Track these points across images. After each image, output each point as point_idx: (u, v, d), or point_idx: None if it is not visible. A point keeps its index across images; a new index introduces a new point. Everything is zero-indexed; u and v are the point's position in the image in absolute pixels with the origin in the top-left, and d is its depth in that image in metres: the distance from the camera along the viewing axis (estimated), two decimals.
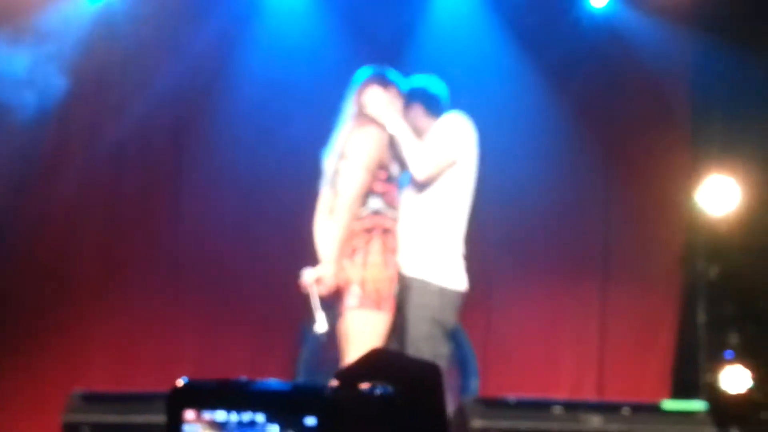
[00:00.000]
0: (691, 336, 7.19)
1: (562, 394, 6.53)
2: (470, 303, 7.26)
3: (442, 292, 5.01)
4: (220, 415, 0.88)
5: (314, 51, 7.20)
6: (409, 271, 5.02)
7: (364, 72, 5.28)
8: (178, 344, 7.03)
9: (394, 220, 5.06)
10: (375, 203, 5.07)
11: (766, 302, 7.12)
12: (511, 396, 5.42)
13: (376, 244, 4.97)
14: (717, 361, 7.15)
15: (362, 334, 4.88)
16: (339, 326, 4.99)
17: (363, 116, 5.14)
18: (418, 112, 5.28)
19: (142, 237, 7.08)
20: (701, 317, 7.16)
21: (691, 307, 7.22)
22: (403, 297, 4.99)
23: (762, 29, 7.04)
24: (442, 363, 4.89)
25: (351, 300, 4.92)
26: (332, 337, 5.80)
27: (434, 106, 5.30)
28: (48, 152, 7.04)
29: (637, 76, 7.24)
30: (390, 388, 0.86)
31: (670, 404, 5.12)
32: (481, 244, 7.24)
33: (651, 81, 7.21)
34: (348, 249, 4.98)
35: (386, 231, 5.02)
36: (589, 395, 6.91)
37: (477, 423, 4.90)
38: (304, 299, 6.21)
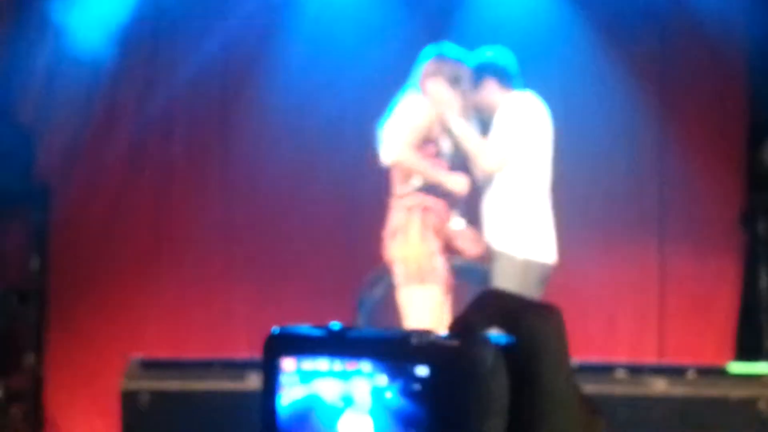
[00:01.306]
0: (753, 299, 7.07)
1: (622, 357, 6.44)
2: None
3: (527, 264, 5.15)
4: (322, 363, 0.81)
5: (364, 19, 7.12)
6: (496, 245, 5.19)
7: (429, 52, 5.31)
8: (231, 310, 7.02)
9: (437, 197, 5.14)
10: (417, 180, 5.18)
11: None
12: (573, 359, 5.35)
13: (415, 222, 5.13)
14: None
15: (414, 309, 5.08)
16: (393, 301, 5.21)
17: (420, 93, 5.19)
18: (491, 86, 5.34)
19: (192, 202, 7.08)
20: (763, 280, 7.03)
21: (752, 269, 7.10)
22: (490, 269, 5.20)
23: None
24: None
25: (397, 278, 5.15)
26: (388, 305, 5.83)
27: (506, 80, 5.35)
28: (99, 119, 7.06)
29: (691, 31, 7.10)
30: (509, 337, 0.79)
31: (736, 367, 5.02)
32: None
33: (705, 36, 7.06)
34: (390, 229, 5.18)
35: (426, 209, 5.14)
36: (650, 358, 6.82)
37: None
38: (358, 265, 6.22)
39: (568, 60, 7.00)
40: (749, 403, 4.81)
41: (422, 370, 0.78)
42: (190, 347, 6.64)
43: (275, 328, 0.86)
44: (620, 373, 4.94)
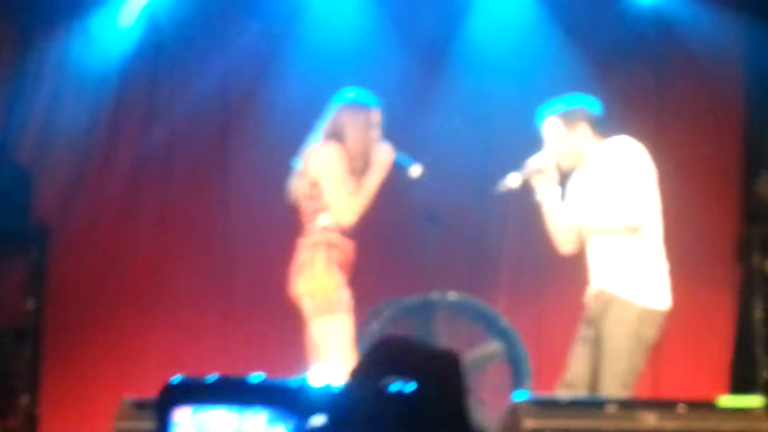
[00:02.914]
0: (747, 331, 7.06)
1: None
2: (521, 302, 7.23)
3: (644, 311, 5.24)
4: (218, 413, 0.82)
5: (359, 48, 7.18)
6: (611, 288, 5.27)
7: (342, 95, 5.46)
8: (228, 351, 7.02)
9: (344, 237, 5.36)
10: (324, 219, 5.37)
11: None
12: (564, 395, 5.35)
13: (320, 257, 5.31)
14: None
15: (326, 339, 5.29)
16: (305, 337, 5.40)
17: (331, 136, 5.36)
18: (584, 133, 5.36)
19: (191, 242, 7.10)
20: (758, 313, 7.03)
21: (746, 302, 7.09)
22: (601, 311, 5.29)
23: None
24: (635, 379, 5.29)
25: (306, 312, 5.35)
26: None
27: (599, 127, 5.37)
28: (97, 158, 7.09)
29: (686, 66, 7.14)
30: (407, 384, 0.80)
31: (726, 401, 5.01)
32: (535, 242, 7.18)
33: (702, 71, 7.10)
34: (297, 265, 5.37)
35: (331, 245, 5.33)
36: (645, 393, 6.80)
37: (529, 423, 4.82)
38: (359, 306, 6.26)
39: (562, 92, 7.02)
40: None
41: (318, 420, 0.79)
42: None
43: (174, 378, 0.88)
44: (611, 408, 4.92)
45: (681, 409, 4.93)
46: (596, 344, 5.32)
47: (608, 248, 5.35)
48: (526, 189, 6.55)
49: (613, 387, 5.26)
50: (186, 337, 7.01)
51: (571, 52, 7.15)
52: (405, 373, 0.78)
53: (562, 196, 5.48)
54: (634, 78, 7.22)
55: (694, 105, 7.19)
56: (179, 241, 7.12)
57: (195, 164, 7.20)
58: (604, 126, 5.43)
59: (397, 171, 5.48)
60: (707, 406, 4.99)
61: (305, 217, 5.44)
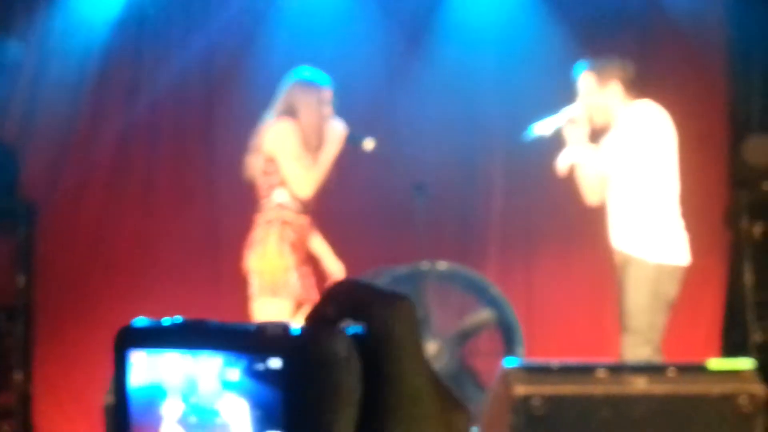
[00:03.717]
0: (738, 296, 7.08)
1: (610, 358, 6.45)
2: (512, 267, 7.25)
3: (660, 268, 5.41)
4: (172, 356, 0.82)
5: (341, 23, 7.17)
6: (627, 249, 5.46)
7: (295, 73, 5.54)
8: (219, 319, 7.02)
9: (298, 212, 5.42)
10: (279, 196, 5.43)
11: None
12: (555, 361, 5.37)
13: (273, 236, 5.37)
14: (766, 320, 7.04)
15: (263, 320, 5.15)
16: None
17: (285, 113, 5.44)
18: (616, 91, 5.54)
19: (178, 212, 7.10)
20: (748, 277, 7.05)
21: (737, 267, 7.11)
22: (622, 272, 5.47)
23: None
24: (657, 335, 5.50)
25: (252, 289, 5.43)
26: None
27: (631, 88, 5.56)
28: (81, 133, 7.08)
29: (670, 33, 7.14)
30: (361, 327, 0.80)
31: (715, 363, 5.02)
32: (523, 211, 7.20)
33: (685, 38, 7.10)
34: (250, 241, 5.44)
35: (285, 223, 5.39)
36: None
37: (520, 389, 4.84)
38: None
39: (544, 63, 7.02)
40: (729, 399, 4.81)
41: (275, 362, 0.79)
42: None
43: (133, 321, 0.88)
44: (601, 373, 4.94)
45: (671, 372, 4.94)
46: (621, 303, 5.55)
47: (626, 206, 5.49)
48: (515, 158, 6.57)
49: (635, 345, 5.46)
50: (175, 310, 7.00)
51: (553, 23, 7.14)
52: (359, 316, 0.78)
53: (592, 149, 5.60)
54: (617, 47, 7.17)
55: (678, 72, 7.18)
56: (166, 214, 7.12)
57: (179, 137, 7.20)
58: (635, 87, 5.59)
59: (350, 146, 5.59)
60: (697, 369, 5.00)
61: (261, 192, 5.51)
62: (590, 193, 5.66)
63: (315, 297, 5.77)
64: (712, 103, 7.24)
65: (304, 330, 0.78)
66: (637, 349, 5.39)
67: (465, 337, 6.52)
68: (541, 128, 5.66)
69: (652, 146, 5.44)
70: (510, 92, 7.09)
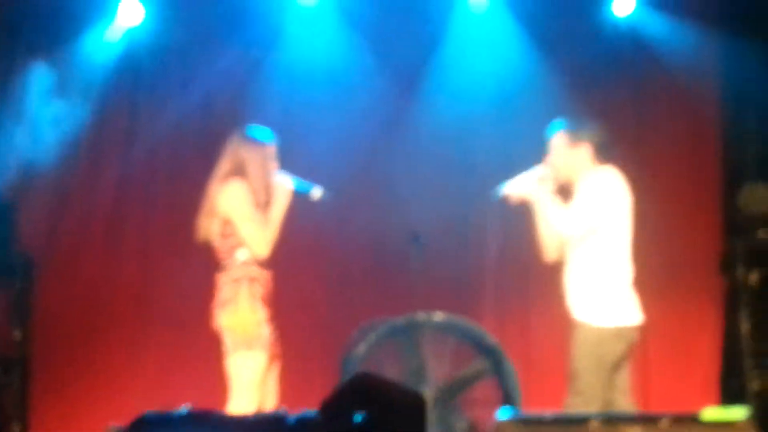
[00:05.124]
0: (734, 344, 7.07)
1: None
2: (508, 318, 7.24)
3: (602, 331, 5.53)
4: None
5: (337, 71, 7.23)
6: (574, 313, 5.59)
7: (238, 133, 5.66)
8: (217, 374, 7.01)
9: (262, 268, 5.54)
10: (242, 254, 5.55)
11: None
12: (549, 412, 5.36)
13: (243, 293, 5.49)
14: (763, 368, 7.03)
15: (241, 374, 5.45)
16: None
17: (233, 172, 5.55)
18: (585, 154, 5.62)
19: (176, 267, 7.09)
20: (744, 325, 7.05)
21: (732, 315, 7.11)
22: (571, 336, 5.60)
23: None
24: (600, 394, 5.55)
25: (226, 346, 5.51)
26: (371, 362, 5.93)
27: (601, 153, 5.63)
28: (78, 187, 7.10)
29: (663, 82, 7.18)
30: (373, 417, 0.85)
31: (709, 413, 5.01)
32: (520, 260, 7.20)
33: (679, 86, 7.14)
34: (219, 300, 5.53)
35: (252, 279, 5.51)
36: (634, 407, 6.80)
37: None
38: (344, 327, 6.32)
39: (541, 109, 7.05)
40: None
41: None
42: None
43: (146, 413, 0.91)
44: (594, 424, 4.92)
45: (664, 423, 4.93)
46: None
47: (578, 269, 5.59)
48: (506, 207, 6.57)
49: (577, 406, 5.50)
50: (173, 362, 7.01)
51: (548, 70, 7.19)
52: (373, 408, 0.83)
53: (556, 207, 5.67)
54: (612, 94, 7.27)
55: (672, 120, 7.22)
56: (163, 265, 7.13)
57: (176, 188, 7.22)
58: (605, 153, 5.66)
59: (298, 198, 5.68)
60: (691, 420, 4.99)
61: (221, 254, 5.60)
62: (549, 250, 5.78)
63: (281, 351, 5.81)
64: (706, 152, 7.27)
65: (319, 419, 0.82)
66: (580, 409, 5.47)
67: (461, 387, 6.51)
68: (511, 187, 5.77)
69: (609, 213, 5.55)
70: (505, 139, 7.13)
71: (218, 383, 6.88)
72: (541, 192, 5.70)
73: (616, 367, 5.61)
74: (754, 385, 6.97)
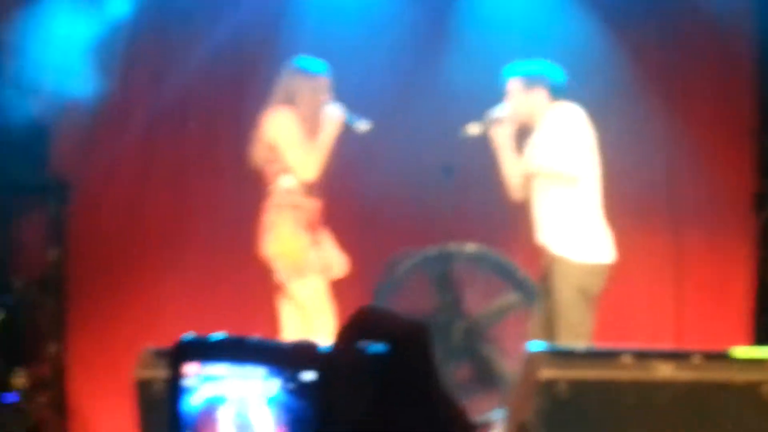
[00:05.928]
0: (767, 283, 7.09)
1: (639, 343, 6.47)
2: (540, 251, 7.27)
3: (583, 266, 5.66)
4: (221, 369, 0.92)
5: (365, 10, 7.20)
6: (554, 249, 5.70)
7: (291, 63, 5.81)
8: (255, 295, 7.05)
9: (306, 195, 5.67)
10: (286, 181, 5.67)
11: None
12: (581, 345, 5.41)
13: (285, 219, 5.59)
14: None
15: (306, 300, 5.60)
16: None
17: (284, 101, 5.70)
18: (541, 97, 5.78)
19: (209, 187, 7.14)
20: None
21: (766, 253, 7.12)
22: (549, 270, 5.72)
23: None
24: (586, 329, 5.69)
25: (280, 274, 5.63)
26: (404, 290, 6.03)
27: (556, 93, 5.79)
28: (112, 109, 7.10)
29: (697, 22, 7.13)
30: (382, 346, 0.90)
31: (740, 352, 5.06)
32: None
33: (711, 23, 7.08)
34: (264, 226, 5.65)
35: (295, 207, 5.63)
36: (668, 343, 6.84)
37: (545, 373, 4.88)
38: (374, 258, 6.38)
39: (571, 50, 7.00)
40: (753, 387, 4.85)
41: (309, 375, 0.87)
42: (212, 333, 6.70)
43: (185, 336, 0.96)
44: (627, 359, 4.97)
45: (696, 360, 4.98)
46: (547, 297, 5.75)
47: (549, 204, 5.72)
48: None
49: (567, 337, 5.60)
50: (206, 285, 7.08)
51: (579, 10, 7.14)
52: (379, 337, 0.88)
53: (516, 148, 5.88)
54: (645, 36, 7.22)
55: (705, 60, 7.18)
56: (196, 189, 7.18)
57: (209, 115, 7.25)
58: (560, 92, 5.81)
59: (347, 128, 5.84)
60: (722, 357, 5.04)
61: (268, 179, 5.72)
62: (514, 190, 5.93)
63: (341, 268, 5.87)
64: (739, 92, 7.24)
65: (334, 348, 0.87)
66: (570, 341, 5.55)
67: (493, 319, 6.57)
68: (472, 128, 5.96)
69: (572, 147, 5.65)
70: None
71: (259, 309, 6.97)
72: (498, 134, 5.90)
73: (593, 304, 5.74)
74: None
